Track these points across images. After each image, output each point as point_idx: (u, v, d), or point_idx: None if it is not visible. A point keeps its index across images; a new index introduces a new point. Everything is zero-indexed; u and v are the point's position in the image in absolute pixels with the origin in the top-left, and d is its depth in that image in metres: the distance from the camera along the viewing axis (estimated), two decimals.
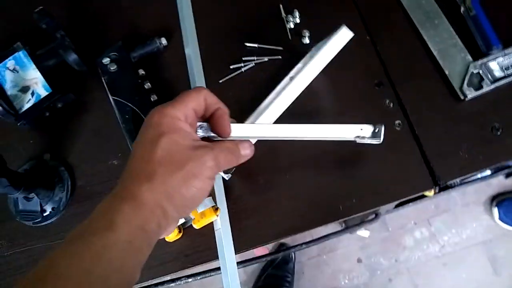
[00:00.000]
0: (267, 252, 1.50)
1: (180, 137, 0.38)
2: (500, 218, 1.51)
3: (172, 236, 0.56)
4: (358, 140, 0.50)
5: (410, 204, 1.41)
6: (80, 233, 0.34)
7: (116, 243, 0.33)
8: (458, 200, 1.58)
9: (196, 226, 0.57)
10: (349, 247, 1.56)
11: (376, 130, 0.49)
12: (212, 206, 0.57)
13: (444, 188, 1.42)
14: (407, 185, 0.59)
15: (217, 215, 0.57)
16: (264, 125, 0.49)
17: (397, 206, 1.40)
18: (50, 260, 0.32)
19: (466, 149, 0.60)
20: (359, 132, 0.50)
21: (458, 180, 1.39)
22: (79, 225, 0.34)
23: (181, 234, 0.58)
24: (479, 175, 1.40)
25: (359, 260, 1.54)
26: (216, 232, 0.58)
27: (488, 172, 1.40)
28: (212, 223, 0.58)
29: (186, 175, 0.37)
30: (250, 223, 0.59)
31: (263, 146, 0.60)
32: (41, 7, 0.63)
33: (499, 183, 1.58)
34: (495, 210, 1.52)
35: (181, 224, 0.57)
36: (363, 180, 0.59)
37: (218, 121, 0.43)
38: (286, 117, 0.58)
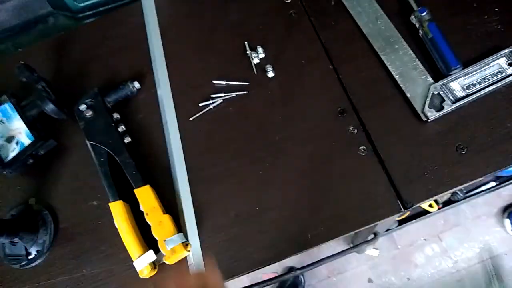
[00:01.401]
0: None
1: None
2: None
3: (147, 272, 0.58)
4: None
5: (416, 220, 1.39)
6: None
7: None
8: (468, 213, 1.54)
9: (168, 262, 0.59)
10: (358, 268, 1.53)
11: None
12: (183, 242, 0.59)
13: (448, 202, 1.40)
14: (375, 211, 0.59)
15: (189, 251, 0.59)
16: None
17: (400, 223, 1.38)
18: None
19: (432, 171, 0.60)
20: None
21: (461, 194, 1.36)
22: None
23: (156, 270, 0.60)
24: (483, 188, 1.37)
25: (369, 281, 1.52)
26: (189, 267, 0.60)
27: (492, 183, 1.37)
28: (186, 257, 0.60)
29: None
30: (222, 256, 0.60)
31: (232, 181, 0.63)
32: (21, 63, 0.68)
33: (510, 193, 1.54)
34: (507, 222, 1.47)
35: (155, 260, 0.59)
36: (330, 208, 0.60)
37: None
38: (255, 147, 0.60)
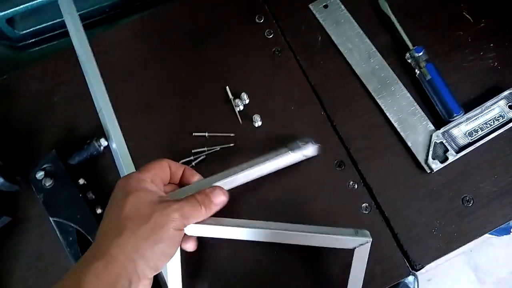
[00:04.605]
0: None
1: (146, 194, 0.41)
2: None
3: None
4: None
5: None
6: None
7: None
8: None
9: None
10: None
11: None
12: None
13: None
14: (383, 275, 0.55)
15: None
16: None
17: None
18: None
19: (439, 227, 0.56)
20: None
21: None
22: None
23: None
24: None
25: None
26: None
27: None
28: None
29: (153, 226, 0.39)
30: None
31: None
32: None
33: None
34: None
35: None
36: (335, 274, 0.55)
37: (189, 179, 0.49)
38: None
